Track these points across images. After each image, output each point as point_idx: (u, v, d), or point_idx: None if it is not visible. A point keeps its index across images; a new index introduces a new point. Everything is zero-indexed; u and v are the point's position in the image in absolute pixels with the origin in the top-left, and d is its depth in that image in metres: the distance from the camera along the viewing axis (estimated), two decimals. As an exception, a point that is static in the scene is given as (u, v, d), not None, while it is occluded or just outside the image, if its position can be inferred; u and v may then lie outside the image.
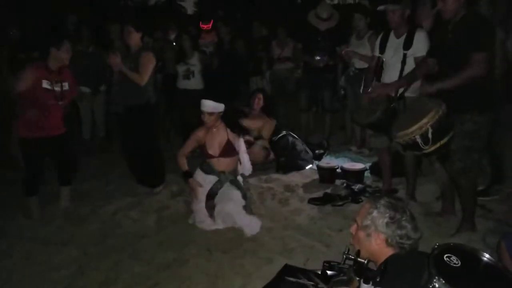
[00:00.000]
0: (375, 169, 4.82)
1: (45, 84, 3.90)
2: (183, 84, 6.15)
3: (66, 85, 4.05)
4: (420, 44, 3.75)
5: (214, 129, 3.92)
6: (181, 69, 6.14)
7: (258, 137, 5.43)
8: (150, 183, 4.63)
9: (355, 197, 4.22)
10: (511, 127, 3.98)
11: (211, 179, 3.89)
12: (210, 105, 3.84)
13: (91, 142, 6.28)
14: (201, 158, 4.04)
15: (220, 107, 3.88)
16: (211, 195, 3.82)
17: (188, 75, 6.07)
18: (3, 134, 5.26)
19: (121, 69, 4.23)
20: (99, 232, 3.81)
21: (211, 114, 3.84)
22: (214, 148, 3.90)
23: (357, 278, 2.22)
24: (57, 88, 3.97)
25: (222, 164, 3.91)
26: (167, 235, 3.69)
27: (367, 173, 4.85)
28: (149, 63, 4.30)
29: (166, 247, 3.48)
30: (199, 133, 3.93)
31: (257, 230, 3.64)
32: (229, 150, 3.92)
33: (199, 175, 3.94)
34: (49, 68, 3.95)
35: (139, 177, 4.71)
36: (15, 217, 4.09)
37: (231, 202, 3.75)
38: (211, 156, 3.89)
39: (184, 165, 3.96)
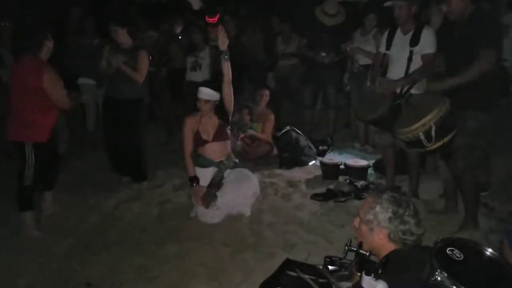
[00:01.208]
0: (378, 166, 4.80)
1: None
2: (190, 76, 6.15)
3: None
4: (428, 41, 3.70)
5: (207, 116, 3.93)
6: (189, 60, 6.14)
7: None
8: (137, 177, 4.64)
9: (358, 194, 4.20)
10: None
11: (211, 171, 3.90)
12: (207, 93, 3.86)
13: (94, 135, 6.27)
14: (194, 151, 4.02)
15: (216, 95, 3.88)
16: (212, 185, 3.82)
17: (195, 67, 6.07)
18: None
19: (123, 69, 4.28)
20: (100, 224, 3.82)
21: (207, 101, 3.86)
22: (207, 133, 3.91)
23: (359, 273, 2.21)
24: None
25: (216, 149, 3.93)
26: (168, 228, 3.70)
27: (370, 170, 4.84)
28: (146, 61, 4.44)
29: (168, 240, 3.48)
30: (189, 122, 3.94)
31: None
32: (221, 133, 3.94)
33: (198, 172, 3.93)
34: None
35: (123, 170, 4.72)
36: (16, 208, 4.09)
37: (252, 180, 3.94)
38: (205, 142, 3.90)
39: (191, 169, 3.92)
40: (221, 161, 3.93)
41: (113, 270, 3.10)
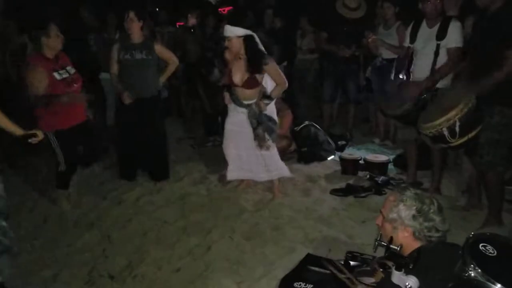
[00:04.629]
0: (399, 162, 4.75)
1: (57, 76, 3.74)
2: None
3: (71, 69, 3.89)
4: (455, 35, 3.64)
5: (239, 58, 3.88)
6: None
7: None
8: (161, 176, 4.63)
9: (378, 189, 4.16)
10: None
11: (242, 110, 3.96)
12: (229, 30, 3.80)
13: (114, 129, 6.32)
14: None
15: (238, 31, 3.79)
16: (253, 122, 3.93)
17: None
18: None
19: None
20: (122, 217, 3.85)
21: (229, 39, 3.81)
22: (237, 78, 3.88)
23: (381, 269, 2.19)
24: (65, 75, 3.81)
25: (245, 93, 3.91)
26: (189, 221, 3.71)
27: (390, 166, 4.78)
28: (167, 49, 4.65)
29: (189, 233, 3.50)
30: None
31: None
32: (251, 82, 3.86)
33: (230, 104, 4.05)
34: (48, 58, 3.75)
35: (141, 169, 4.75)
36: (42, 201, 4.16)
37: (249, 150, 4.03)
38: (235, 85, 3.91)
39: None
40: (249, 104, 3.93)
41: (135, 262, 3.14)
